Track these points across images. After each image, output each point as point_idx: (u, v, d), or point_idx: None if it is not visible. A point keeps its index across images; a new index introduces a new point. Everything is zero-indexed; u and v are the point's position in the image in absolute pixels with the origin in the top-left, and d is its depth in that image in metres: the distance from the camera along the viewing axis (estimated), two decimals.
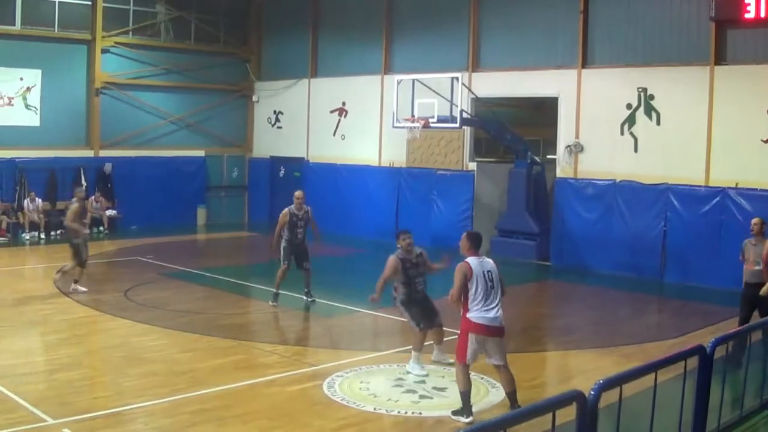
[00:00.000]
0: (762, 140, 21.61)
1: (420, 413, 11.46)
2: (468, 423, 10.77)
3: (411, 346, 13.63)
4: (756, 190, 21.48)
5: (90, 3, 30.66)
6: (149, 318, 16.91)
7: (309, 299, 18.74)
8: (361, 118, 31.23)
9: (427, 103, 24.78)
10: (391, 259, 13.72)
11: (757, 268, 14.35)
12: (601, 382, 6.61)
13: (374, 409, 11.50)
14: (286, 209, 18.65)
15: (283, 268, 18.50)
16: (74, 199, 20.05)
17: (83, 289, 19.22)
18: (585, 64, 25.22)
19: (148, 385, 12.39)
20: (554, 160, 26.46)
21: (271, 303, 18.55)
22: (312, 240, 19.10)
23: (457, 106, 24.47)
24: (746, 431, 9.52)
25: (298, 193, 18.85)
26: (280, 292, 18.50)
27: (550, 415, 5.99)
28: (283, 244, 18.52)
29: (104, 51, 31.30)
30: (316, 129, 33.01)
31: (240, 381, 12.84)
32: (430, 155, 28.96)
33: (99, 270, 23.84)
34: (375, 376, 13.22)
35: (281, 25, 34.50)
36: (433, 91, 24.81)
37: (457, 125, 25.00)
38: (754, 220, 15.03)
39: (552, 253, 25.60)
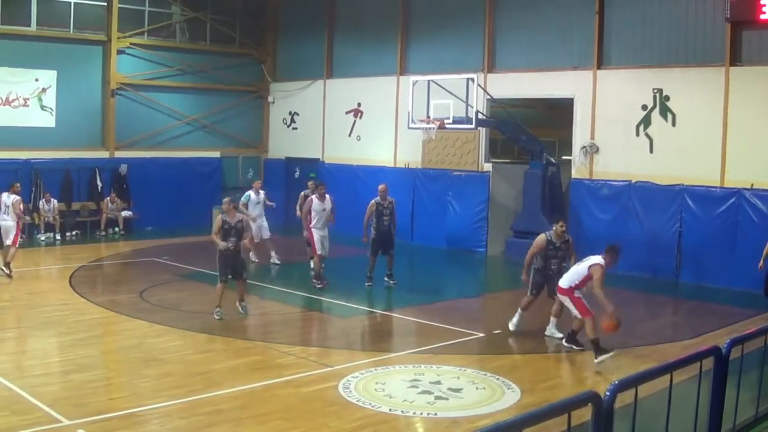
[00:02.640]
0: None
1: (435, 414, 11.47)
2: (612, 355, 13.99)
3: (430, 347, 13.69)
4: None
5: (105, 4, 30.75)
6: (165, 319, 16.95)
7: (391, 282, 21.08)
8: (377, 119, 31.25)
9: (443, 104, 24.77)
10: (540, 238, 16.18)
11: None
12: (617, 383, 6.60)
13: (390, 410, 11.51)
14: (372, 201, 20.90)
15: (371, 259, 20.89)
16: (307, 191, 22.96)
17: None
18: (600, 65, 25.20)
19: (164, 386, 12.42)
20: (569, 160, 26.44)
21: (366, 284, 20.91)
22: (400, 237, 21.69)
23: (472, 107, 24.46)
24: None
25: (381, 187, 21.07)
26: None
27: (565, 416, 5.99)
28: (372, 234, 20.84)
29: (120, 52, 31.40)
30: (332, 130, 33.05)
31: (256, 382, 12.86)
32: (445, 156, 28.97)
33: (114, 271, 23.96)
34: (390, 377, 13.24)
35: (297, 26, 34.54)
36: (449, 92, 24.79)
37: (473, 126, 24.98)
38: None
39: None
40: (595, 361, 13.46)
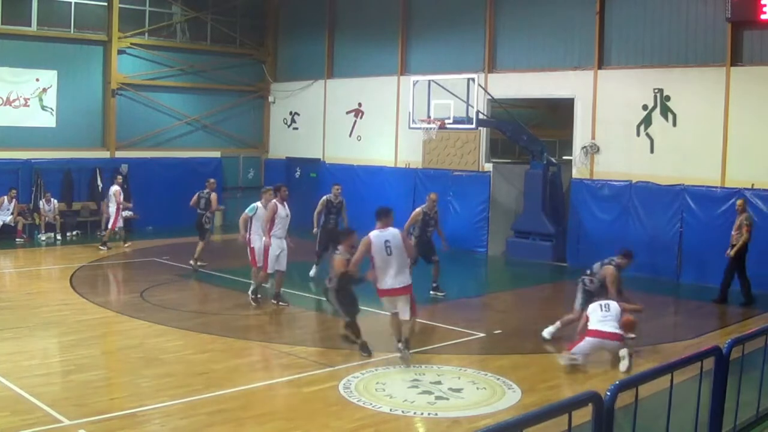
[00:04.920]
0: None
1: (436, 414, 11.47)
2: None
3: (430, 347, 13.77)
4: None
5: (106, 4, 30.76)
6: (165, 319, 16.94)
7: (439, 293, 19.86)
8: (378, 119, 31.26)
9: (443, 104, 24.79)
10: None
11: (733, 233, 19.92)
12: (618, 383, 6.60)
13: (390, 409, 11.51)
14: (419, 208, 20.35)
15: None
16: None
17: None
18: (601, 65, 25.20)
19: (165, 386, 12.42)
20: (570, 161, 26.45)
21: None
22: (439, 244, 20.64)
23: (473, 107, 24.47)
24: None
25: (433, 196, 20.56)
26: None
27: (566, 416, 5.99)
28: (412, 241, 18.80)
29: (120, 52, 31.41)
30: (333, 130, 33.05)
31: (256, 382, 12.89)
32: (446, 156, 28.97)
33: (115, 271, 23.92)
34: (391, 377, 13.23)
35: (297, 26, 34.55)
36: (449, 92, 24.80)
37: (473, 126, 24.98)
38: (738, 202, 20.29)
39: (568, 254, 25.56)
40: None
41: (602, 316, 14.26)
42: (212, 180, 24.81)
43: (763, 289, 20.61)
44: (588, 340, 14.15)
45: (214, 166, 33.54)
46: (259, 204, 19.16)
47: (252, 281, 19.12)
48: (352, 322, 14.51)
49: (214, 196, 23.74)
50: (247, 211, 19.35)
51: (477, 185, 27.73)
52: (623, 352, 14.01)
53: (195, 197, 23.85)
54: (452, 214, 28.21)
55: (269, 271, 18.38)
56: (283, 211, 18.50)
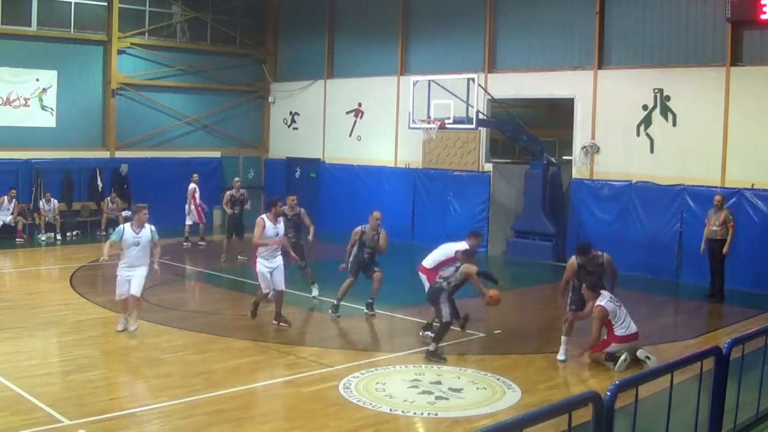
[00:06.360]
0: None
1: (436, 414, 11.47)
2: None
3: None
4: None
5: (106, 4, 30.76)
6: (165, 319, 16.94)
7: (369, 312, 17.91)
8: (378, 119, 31.25)
9: (443, 104, 24.78)
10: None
11: (714, 228, 20.13)
12: (618, 383, 6.60)
13: (390, 410, 11.51)
14: (359, 227, 17.82)
15: (349, 281, 17.84)
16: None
17: None
18: (601, 65, 25.20)
19: (165, 386, 12.42)
20: (570, 161, 26.45)
21: (331, 313, 17.81)
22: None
23: (473, 107, 24.46)
24: None
25: (376, 214, 17.94)
26: (342, 303, 17.88)
27: (566, 416, 5.99)
28: (351, 259, 17.83)
29: (120, 52, 31.42)
30: (332, 130, 33.04)
31: (256, 382, 12.91)
32: (446, 156, 28.96)
33: (115, 271, 23.87)
34: (391, 377, 13.23)
35: (297, 26, 34.54)
36: (449, 92, 24.80)
37: (473, 126, 24.97)
38: (717, 197, 20.56)
39: (568, 254, 25.31)
40: None
41: (623, 314, 14.33)
42: (236, 179, 27.28)
43: (763, 289, 20.64)
44: (615, 346, 14.16)
45: (214, 166, 33.56)
46: (125, 226, 16.70)
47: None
48: (446, 325, 14.79)
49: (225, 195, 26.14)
50: (112, 236, 16.72)
51: (477, 185, 27.73)
52: (641, 353, 14.07)
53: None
54: (452, 214, 28.21)
55: (264, 291, 16.80)
56: (272, 229, 16.60)
